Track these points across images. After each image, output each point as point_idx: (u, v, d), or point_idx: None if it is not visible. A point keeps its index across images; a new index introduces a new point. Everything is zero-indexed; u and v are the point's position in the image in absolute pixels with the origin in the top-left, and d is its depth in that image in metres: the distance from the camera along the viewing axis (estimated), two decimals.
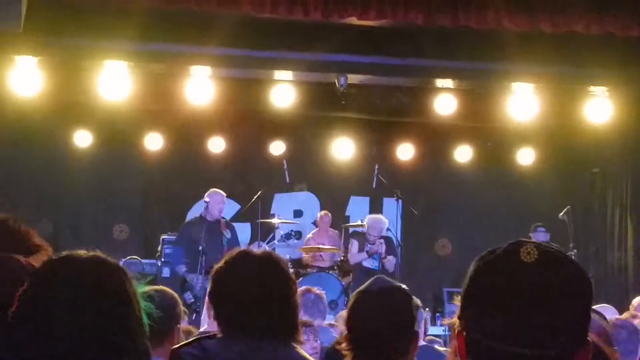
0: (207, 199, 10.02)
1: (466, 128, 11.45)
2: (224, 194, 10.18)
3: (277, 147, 12.10)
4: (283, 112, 10.03)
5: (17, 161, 11.62)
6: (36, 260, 2.37)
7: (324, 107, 10.48)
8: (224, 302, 2.91)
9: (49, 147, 11.63)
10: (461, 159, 12.27)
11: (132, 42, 8.45)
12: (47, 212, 11.61)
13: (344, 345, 2.98)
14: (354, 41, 8.87)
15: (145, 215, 12.52)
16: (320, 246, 11.08)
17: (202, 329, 5.17)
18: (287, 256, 10.85)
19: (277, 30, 8.65)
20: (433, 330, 9.81)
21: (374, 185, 12.20)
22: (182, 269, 9.88)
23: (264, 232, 11.40)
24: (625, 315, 5.84)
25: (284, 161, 12.19)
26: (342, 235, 11.61)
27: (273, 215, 11.61)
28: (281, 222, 11.46)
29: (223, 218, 10.26)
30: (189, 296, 9.50)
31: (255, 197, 10.96)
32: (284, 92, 9.61)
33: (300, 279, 10.09)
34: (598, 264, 11.64)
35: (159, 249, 11.01)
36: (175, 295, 4.01)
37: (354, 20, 8.21)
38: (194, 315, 9.05)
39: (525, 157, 12.17)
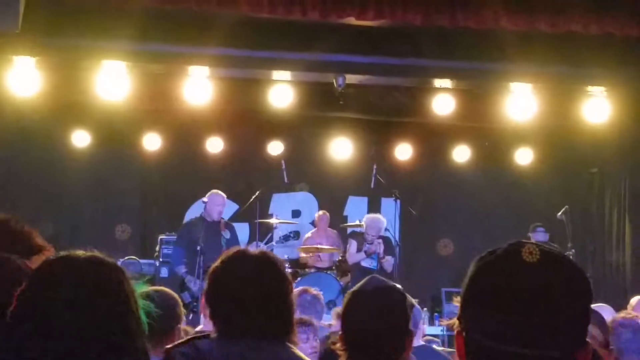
0: (205, 200, 10.01)
1: (464, 128, 11.44)
2: (225, 196, 10.14)
3: (275, 147, 12.09)
4: (281, 112, 10.01)
5: (16, 161, 11.61)
6: (37, 262, 2.36)
7: (322, 107, 10.46)
8: (220, 301, 2.90)
9: (47, 147, 11.61)
10: (459, 159, 12.26)
11: (130, 42, 8.43)
12: (45, 212, 11.58)
13: (338, 345, 2.98)
14: (352, 41, 8.86)
15: (143, 216, 12.51)
16: (319, 246, 11.06)
17: (197, 329, 5.17)
18: (286, 256, 10.87)
19: (276, 31, 8.63)
20: (431, 330, 9.83)
21: (372, 185, 12.19)
22: (182, 269, 9.85)
23: (262, 232, 11.40)
24: (628, 314, 5.82)
25: (282, 161, 12.17)
26: (340, 235, 11.62)
27: (271, 216, 11.61)
28: (279, 222, 11.46)
29: (223, 218, 10.25)
30: (186, 296, 9.49)
31: (253, 197, 10.93)
32: (282, 92, 9.60)
33: (299, 279, 10.09)
34: (596, 263, 11.64)
35: (157, 249, 11.00)
36: (176, 295, 4.02)
37: (352, 20, 8.21)
38: (191, 315, 9.05)
39: (524, 157, 12.17)
